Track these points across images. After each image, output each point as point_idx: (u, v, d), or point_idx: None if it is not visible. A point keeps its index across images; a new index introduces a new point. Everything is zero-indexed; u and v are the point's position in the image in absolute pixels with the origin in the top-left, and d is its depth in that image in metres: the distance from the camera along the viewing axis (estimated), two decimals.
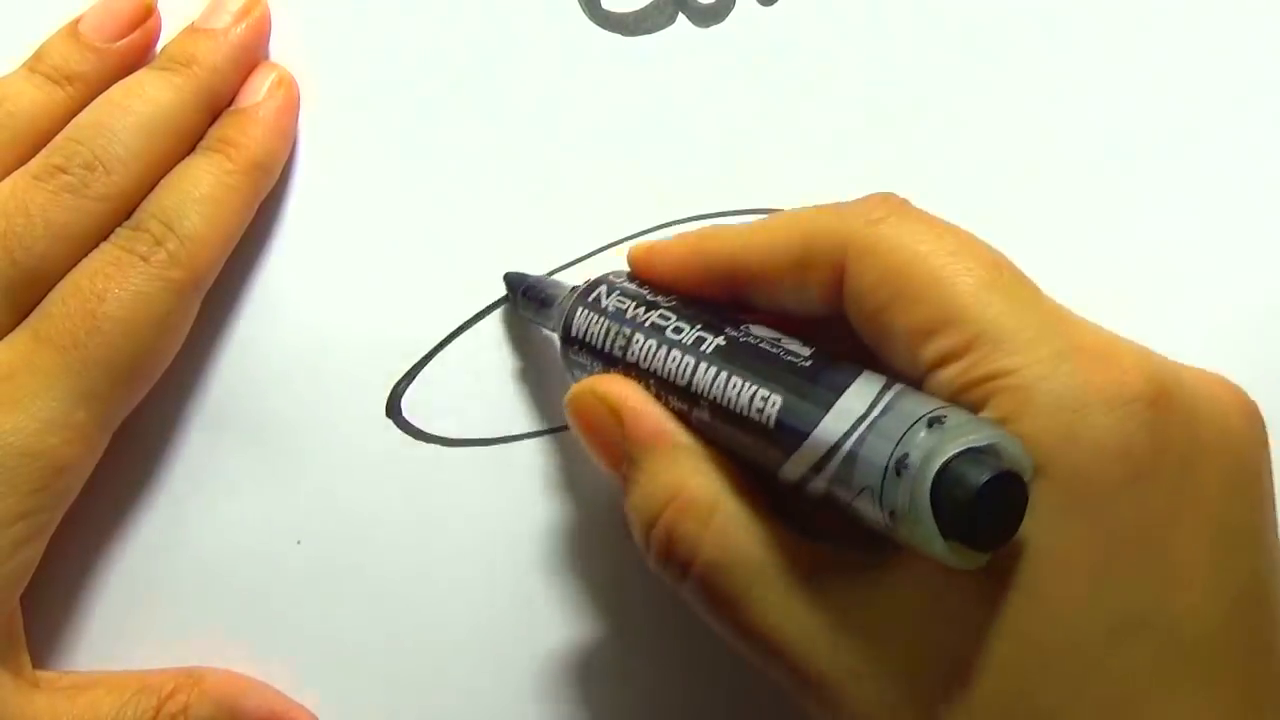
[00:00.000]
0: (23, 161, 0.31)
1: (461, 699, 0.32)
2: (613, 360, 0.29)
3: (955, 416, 0.23)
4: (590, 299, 0.30)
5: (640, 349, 0.28)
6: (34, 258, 0.30)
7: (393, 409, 0.33)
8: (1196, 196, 0.35)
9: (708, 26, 0.35)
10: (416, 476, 0.32)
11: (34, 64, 0.32)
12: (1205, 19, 0.35)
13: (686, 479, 0.27)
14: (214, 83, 0.32)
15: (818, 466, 0.24)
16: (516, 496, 0.32)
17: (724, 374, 0.26)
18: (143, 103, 0.31)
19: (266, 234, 0.33)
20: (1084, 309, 0.26)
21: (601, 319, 0.29)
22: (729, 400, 0.26)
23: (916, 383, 0.25)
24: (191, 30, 0.33)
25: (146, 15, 0.33)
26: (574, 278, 0.33)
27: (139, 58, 0.33)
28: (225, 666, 0.31)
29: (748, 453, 0.26)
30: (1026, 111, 0.35)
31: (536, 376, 0.33)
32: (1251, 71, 0.35)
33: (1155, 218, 0.34)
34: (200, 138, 0.32)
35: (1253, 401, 0.25)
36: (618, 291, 0.30)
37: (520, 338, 0.33)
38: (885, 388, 0.24)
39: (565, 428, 0.33)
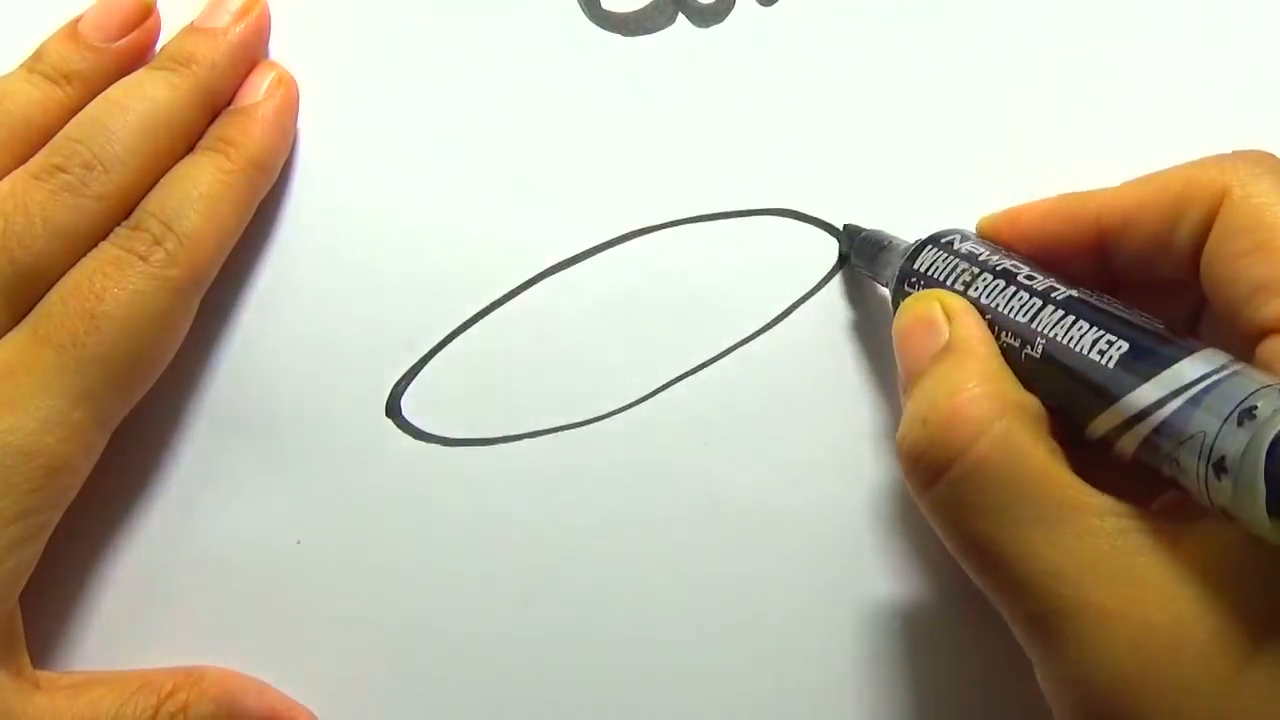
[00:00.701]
0: (21, 161, 0.31)
1: (461, 699, 0.31)
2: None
3: None
4: (943, 242, 0.31)
5: (985, 286, 0.29)
6: (33, 256, 0.29)
7: (393, 409, 0.33)
8: None
9: (708, 26, 0.35)
10: (416, 476, 0.32)
11: (33, 64, 0.32)
12: None
13: (991, 378, 0.27)
14: (213, 82, 0.32)
15: (1143, 414, 0.25)
16: (516, 496, 0.32)
17: (1070, 317, 0.27)
18: (142, 102, 0.31)
19: (266, 233, 0.33)
20: None
21: (951, 257, 0.30)
22: (1070, 339, 0.26)
23: (1252, 343, 0.26)
24: (190, 29, 0.33)
25: (146, 15, 0.33)
26: (571, 277, 0.33)
27: (138, 57, 0.33)
28: (225, 666, 0.31)
29: (1066, 401, 0.26)
30: (1028, 106, 0.35)
31: (543, 374, 0.33)
32: None
33: None
34: (199, 137, 0.32)
35: None
36: (972, 240, 0.30)
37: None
38: (1234, 360, 0.25)
39: (565, 428, 0.33)
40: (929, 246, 0.31)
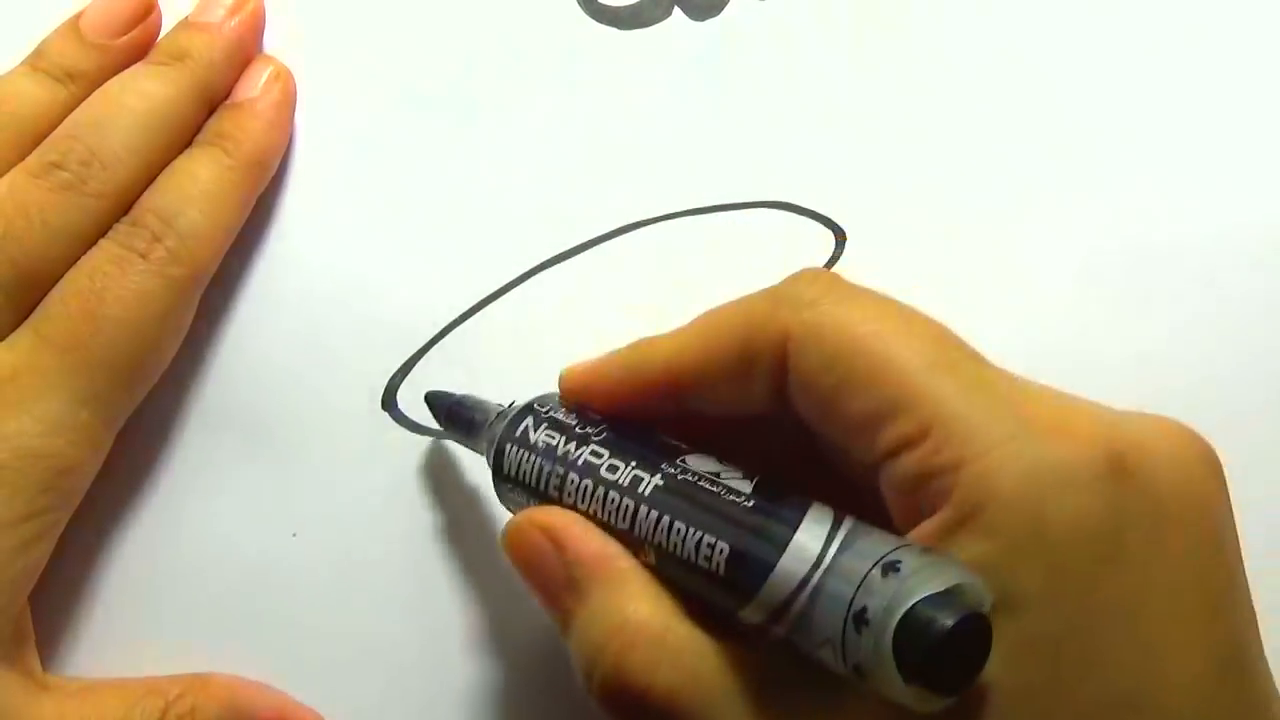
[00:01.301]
0: None
1: (459, 691, 0.32)
2: (549, 500, 0.28)
3: (910, 559, 0.22)
4: (518, 433, 0.28)
5: (576, 489, 0.27)
6: (33, 258, 0.30)
7: (388, 402, 0.33)
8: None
9: (704, 20, 0.35)
10: (412, 469, 0.33)
11: (35, 61, 0.32)
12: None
13: (636, 604, 0.25)
14: (209, 77, 0.32)
15: (775, 616, 0.23)
16: None
17: (666, 518, 0.25)
18: (138, 98, 0.31)
19: (263, 228, 0.33)
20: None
21: (533, 456, 0.28)
22: (674, 545, 0.25)
23: (873, 469, 0.24)
24: (186, 24, 0.33)
25: (147, 11, 0.33)
26: (566, 271, 0.34)
27: (140, 55, 0.33)
28: (223, 659, 0.31)
29: (701, 595, 0.25)
30: (1020, 100, 0.34)
31: (538, 367, 0.33)
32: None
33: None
34: (197, 132, 0.32)
35: (1208, 445, 0.24)
36: (545, 424, 0.28)
37: None
38: (835, 525, 0.24)
39: None
40: (509, 445, 0.28)
